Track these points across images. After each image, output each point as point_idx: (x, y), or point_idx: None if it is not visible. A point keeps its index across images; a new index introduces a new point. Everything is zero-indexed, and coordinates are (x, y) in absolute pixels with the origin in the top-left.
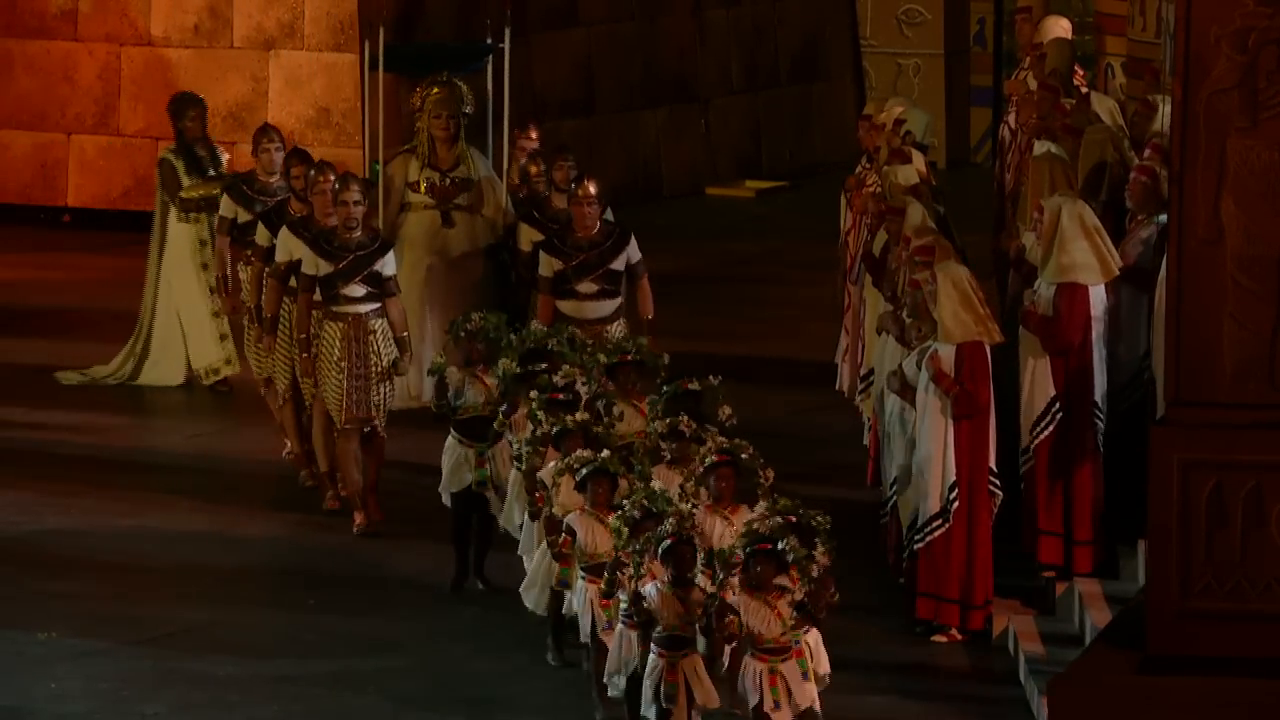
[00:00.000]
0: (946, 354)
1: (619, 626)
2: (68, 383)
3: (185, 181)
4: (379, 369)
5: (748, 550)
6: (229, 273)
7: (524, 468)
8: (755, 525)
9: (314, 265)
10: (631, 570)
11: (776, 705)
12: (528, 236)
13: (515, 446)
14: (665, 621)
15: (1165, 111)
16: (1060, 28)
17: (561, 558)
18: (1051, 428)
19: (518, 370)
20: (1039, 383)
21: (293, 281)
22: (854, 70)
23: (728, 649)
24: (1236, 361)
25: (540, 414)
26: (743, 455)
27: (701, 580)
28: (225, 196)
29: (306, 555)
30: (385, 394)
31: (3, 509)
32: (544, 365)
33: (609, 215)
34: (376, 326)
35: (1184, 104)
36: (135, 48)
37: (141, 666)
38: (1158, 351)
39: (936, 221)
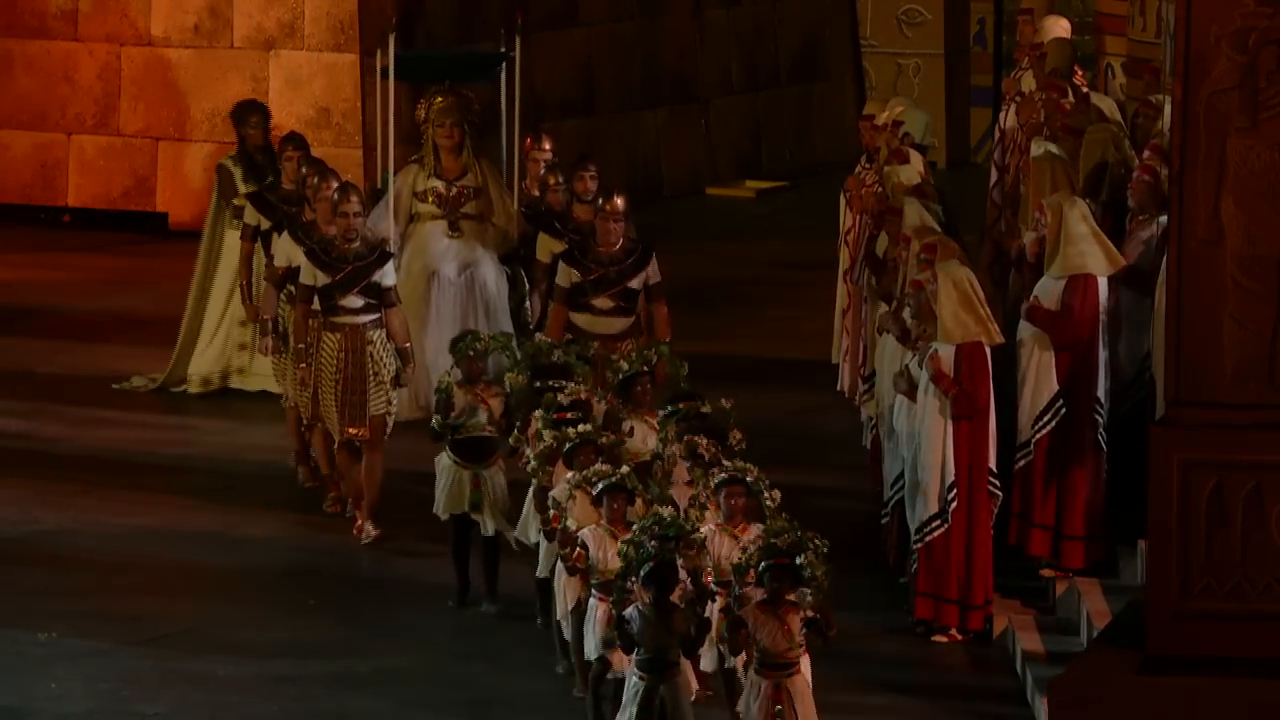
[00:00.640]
0: (946, 354)
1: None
2: (130, 389)
3: (242, 189)
4: (378, 379)
5: (763, 564)
6: (251, 279)
7: (534, 485)
8: (773, 539)
9: (311, 275)
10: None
11: None
12: (547, 247)
13: (532, 462)
14: (647, 644)
15: (1168, 112)
16: (1060, 28)
17: (574, 572)
18: (1054, 423)
19: (527, 384)
20: (1042, 378)
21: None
22: (854, 70)
23: (739, 662)
24: (1237, 361)
25: (546, 432)
26: (748, 478)
27: (717, 599)
28: (249, 204)
29: (306, 555)
30: (385, 405)
31: (2, 509)
32: (554, 379)
33: (632, 231)
34: (375, 337)
35: (1184, 104)
36: (135, 48)
37: (141, 666)
38: (1158, 351)
39: (940, 221)
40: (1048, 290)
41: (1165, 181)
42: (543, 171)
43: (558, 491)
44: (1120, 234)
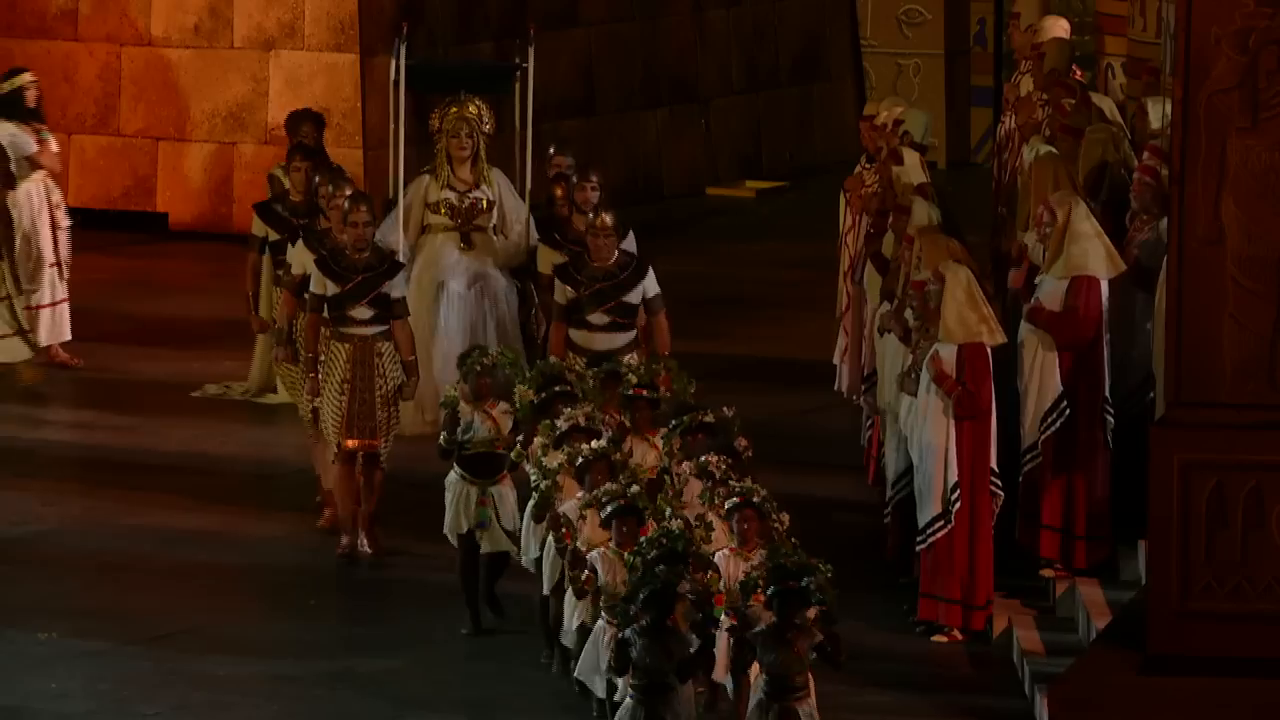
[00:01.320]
0: (948, 354)
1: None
2: (207, 396)
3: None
4: (384, 392)
5: (771, 588)
6: (257, 290)
7: (537, 499)
8: (782, 561)
9: (321, 285)
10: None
11: None
12: (547, 259)
13: (534, 478)
14: (644, 667)
15: (1157, 113)
16: (1059, 28)
17: (583, 594)
18: (1059, 424)
19: (535, 399)
20: (1047, 379)
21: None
22: (854, 70)
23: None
24: (1237, 361)
25: (547, 451)
26: (755, 499)
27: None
28: (255, 216)
29: (306, 555)
30: (390, 419)
31: (2, 509)
32: (561, 393)
33: (632, 245)
34: (384, 349)
35: (1184, 104)
36: (135, 48)
37: (141, 666)
38: (1158, 351)
39: (944, 221)
40: (1049, 291)
41: (1165, 181)
42: (550, 179)
43: (568, 508)
44: (1120, 234)
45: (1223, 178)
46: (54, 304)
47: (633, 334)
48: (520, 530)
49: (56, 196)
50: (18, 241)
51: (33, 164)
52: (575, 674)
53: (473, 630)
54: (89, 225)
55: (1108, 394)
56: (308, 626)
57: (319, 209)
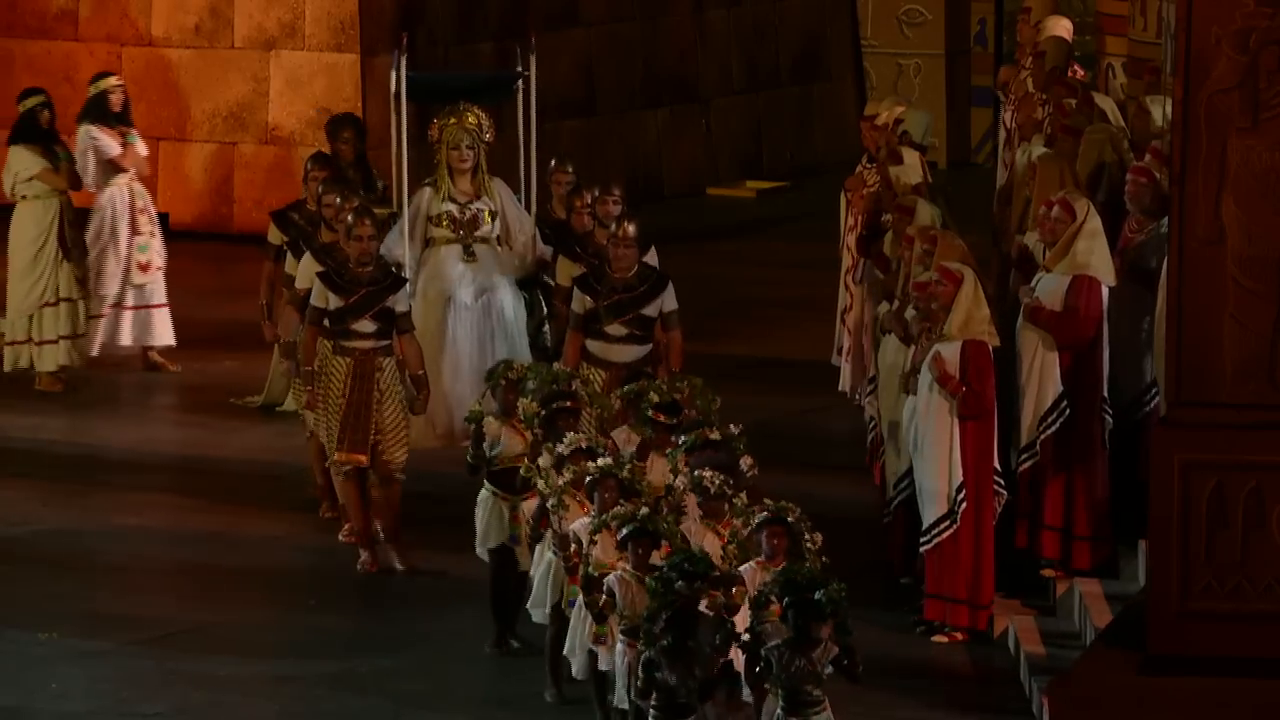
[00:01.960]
0: (950, 354)
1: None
2: (245, 405)
3: None
4: (382, 408)
5: (786, 601)
6: (270, 300)
7: (537, 515)
8: (794, 575)
9: (323, 298)
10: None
11: None
12: (567, 272)
13: (551, 498)
14: (666, 687)
15: (1158, 114)
16: (1061, 27)
17: (602, 619)
18: (1059, 424)
19: (540, 411)
20: (1046, 379)
21: None
22: (854, 70)
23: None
24: (1237, 361)
25: (551, 470)
26: (789, 518)
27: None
28: (272, 224)
29: (306, 555)
30: (393, 433)
31: (2, 509)
32: (569, 404)
33: (653, 259)
34: (385, 364)
35: (1184, 104)
36: (136, 48)
37: (141, 666)
38: (1159, 351)
39: (943, 221)
40: (1049, 290)
41: (1164, 182)
42: (565, 193)
43: (577, 527)
44: (1118, 235)
45: (1223, 178)
46: (138, 308)
47: (649, 347)
48: None
49: (142, 201)
50: (95, 245)
51: (115, 167)
52: (529, 605)
53: (496, 649)
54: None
55: (1106, 394)
56: (308, 626)
57: (324, 220)
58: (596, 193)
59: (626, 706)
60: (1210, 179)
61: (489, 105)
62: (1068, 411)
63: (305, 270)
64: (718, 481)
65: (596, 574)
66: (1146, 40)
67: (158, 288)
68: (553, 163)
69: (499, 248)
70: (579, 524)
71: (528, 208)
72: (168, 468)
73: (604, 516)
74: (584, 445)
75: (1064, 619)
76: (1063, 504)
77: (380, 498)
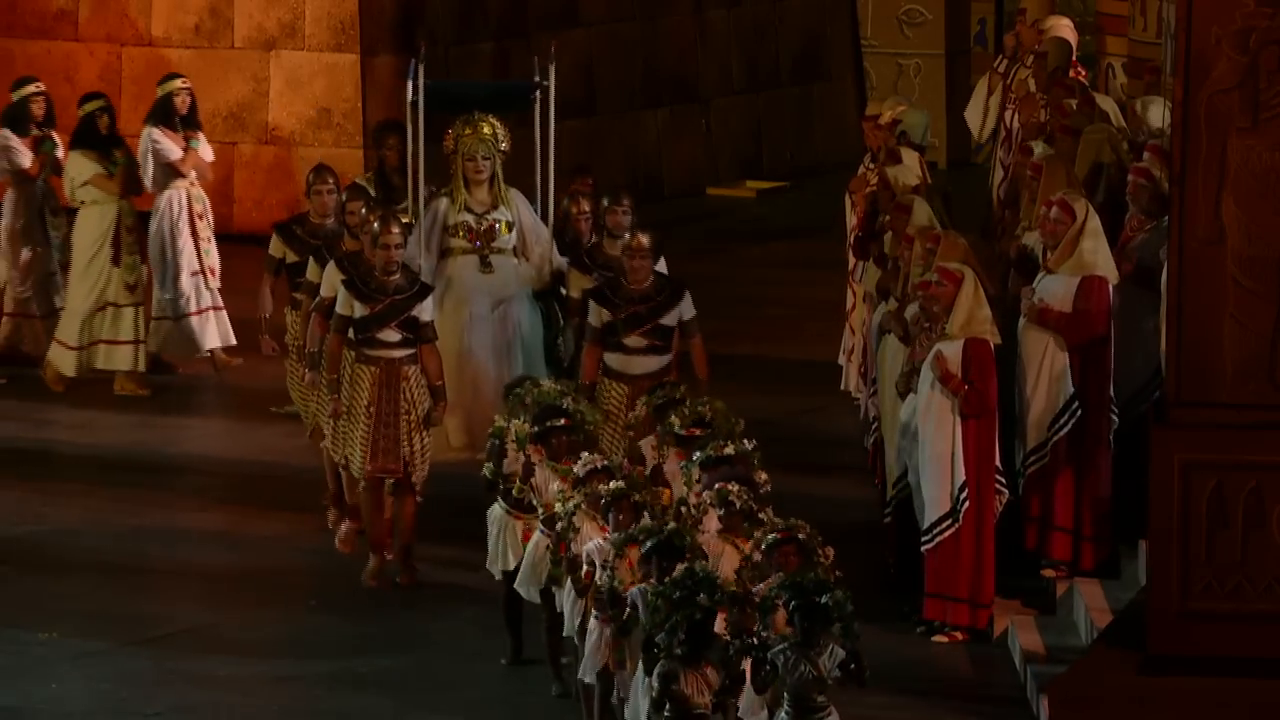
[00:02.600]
0: (952, 353)
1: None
2: (284, 412)
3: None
4: (410, 418)
5: (792, 604)
6: (270, 314)
7: (552, 535)
8: (798, 579)
9: (349, 306)
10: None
11: None
12: (578, 283)
13: (541, 511)
14: (681, 700)
15: (1152, 114)
16: (1062, 27)
17: (627, 631)
18: (1070, 425)
19: (533, 430)
20: (1057, 380)
21: None
22: (855, 70)
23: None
24: (1237, 361)
25: (561, 493)
26: (800, 535)
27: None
28: (274, 236)
29: (306, 555)
30: (419, 446)
31: (3, 509)
32: (562, 422)
33: (663, 268)
34: (410, 373)
35: (1185, 104)
36: (136, 48)
37: (141, 666)
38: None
39: (942, 221)
40: (1053, 291)
41: (1164, 182)
42: (565, 201)
43: (590, 548)
44: (1117, 235)
45: (1223, 178)
46: (199, 312)
47: (669, 357)
48: None
49: (200, 206)
50: (152, 249)
51: (175, 171)
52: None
53: (513, 655)
54: None
55: (1113, 394)
56: (308, 626)
57: (347, 228)
58: (605, 202)
59: (590, 680)
60: (1210, 179)
61: (507, 114)
62: (1080, 412)
63: (329, 279)
64: (745, 497)
65: (620, 589)
66: (1146, 40)
67: (210, 291)
68: (577, 178)
69: (516, 259)
70: (593, 545)
71: (544, 218)
72: (168, 468)
73: (630, 531)
74: (599, 465)
75: (1064, 619)
76: (1072, 505)
77: (394, 514)
